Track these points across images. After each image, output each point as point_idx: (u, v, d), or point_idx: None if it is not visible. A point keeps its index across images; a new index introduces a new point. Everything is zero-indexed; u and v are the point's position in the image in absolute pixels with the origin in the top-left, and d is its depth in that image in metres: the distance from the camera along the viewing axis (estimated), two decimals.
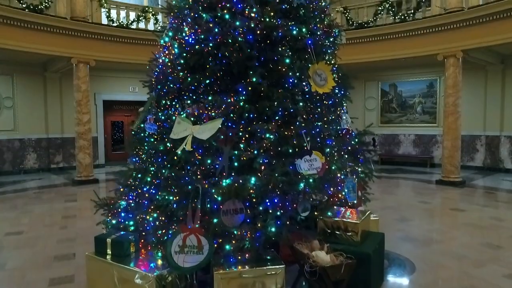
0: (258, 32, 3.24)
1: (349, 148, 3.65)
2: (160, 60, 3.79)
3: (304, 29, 3.47)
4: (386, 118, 13.38)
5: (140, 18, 10.13)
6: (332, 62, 3.85)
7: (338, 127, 3.71)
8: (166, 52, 3.77)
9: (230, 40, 3.22)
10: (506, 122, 10.88)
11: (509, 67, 10.64)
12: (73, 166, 11.90)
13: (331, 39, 3.93)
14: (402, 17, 9.54)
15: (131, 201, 3.67)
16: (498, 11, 7.81)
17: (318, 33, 3.64)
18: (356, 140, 3.78)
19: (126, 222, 3.55)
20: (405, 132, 12.97)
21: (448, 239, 4.77)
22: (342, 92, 3.84)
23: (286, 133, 3.05)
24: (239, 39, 3.19)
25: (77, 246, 4.60)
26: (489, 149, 11.25)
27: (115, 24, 9.79)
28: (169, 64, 3.63)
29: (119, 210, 3.77)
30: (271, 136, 2.98)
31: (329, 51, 3.80)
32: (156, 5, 14.37)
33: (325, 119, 3.42)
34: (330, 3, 3.91)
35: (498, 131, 11.01)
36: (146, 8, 10.32)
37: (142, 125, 3.78)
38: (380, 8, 9.94)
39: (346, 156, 3.62)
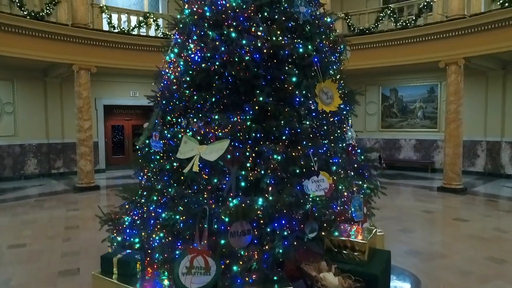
0: (265, 51, 3.23)
1: (355, 165, 3.64)
2: (166, 76, 3.76)
3: (310, 46, 3.46)
4: (387, 122, 13.39)
5: (142, 24, 10.11)
6: (338, 77, 3.84)
7: (344, 144, 3.70)
8: (172, 68, 3.76)
9: (236, 59, 3.21)
10: (507, 128, 10.90)
11: (510, 73, 10.66)
12: (74, 171, 11.90)
13: (337, 55, 3.93)
14: (404, 23, 9.54)
15: (136, 218, 3.66)
16: (501, 19, 7.83)
17: (324, 49, 3.63)
18: (362, 157, 3.76)
19: (131, 239, 3.54)
20: (406, 137, 12.98)
21: (452, 253, 4.77)
22: (348, 107, 3.83)
23: (293, 154, 3.04)
24: (246, 58, 3.18)
25: (81, 260, 4.58)
26: (490, 154, 11.27)
27: (116, 30, 9.78)
28: (174, 80, 3.61)
29: (124, 226, 3.75)
30: (279, 158, 2.98)
31: (334, 67, 3.79)
32: (156, 9, 14.39)
33: (331, 137, 3.42)
34: (336, 19, 3.90)
35: (499, 136, 11.03)
36: (147, 14, 10.30)
37: (147, 141, 3.77)
38: (381, 14, 9.94)
39: (352, 173, 3.61)
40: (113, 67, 10.03)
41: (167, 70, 3.82)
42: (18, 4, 8.19)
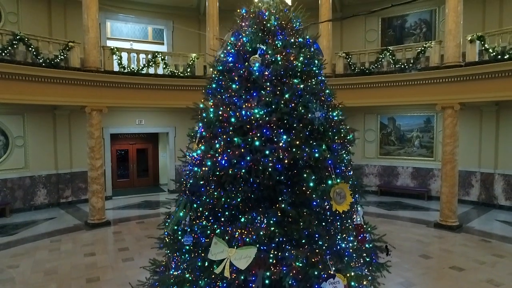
0: (286, 161, 3.64)
1: (364, 254, 4.05)
2: (192, 169, 4.13)
3: (324, 146, 3.86)
4: (385, 150, 13.86)
5: (150, 64, 10.48)
6: (349, 168, 4.25)
7: (354, 233, 4.10)
8: (198, 162, 4.14)
9: (260, 167, 3.62)
10: (500, 160, 11.39)
11: (503, 108, 11.16)
12: (82, 200, 12.29)
13: (347, 146, 4.34)
14: (402, 65, 10.00)
15: None
16: (494, 71, 8.30)
17: (337, 148, 4.04)
18: (371, 245, 4.17)
19: None
20: (403, 165, 13.45)
21: None
22: (357, 196, 4.25)
23: (313, 259, 3.45)
24: (269, 168, 3.59)
25: None
26: (484, 185, 11.76)
27: (126, 71, 10.14)
28: (202, 175, 3.99)
29: None
30: (300, 265, 3.38)
31: (345, 160, 4.19)
32: (161, 37, 14.76)
33: (343, 234, 3.83)
34: (347, 117, 4.30)
35: (492, 168, 11.52)
36: (156, 54, 10.67)
37: (175, 227, 4.14)
38: (381, 56, 10.38)
39: (362, 261, 4.02)
40: (124, 106, 10.38)
41: (192, 161, 4.21)
42: (35, 53, 8.54)
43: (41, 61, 8.62)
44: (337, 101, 4.35)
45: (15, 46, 8.29)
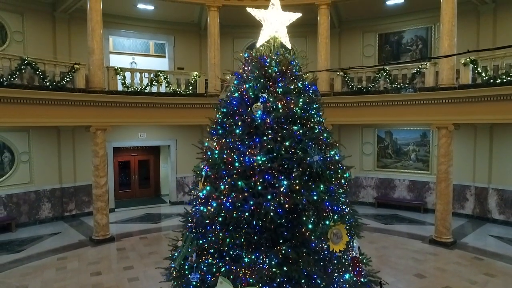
0: (286, 206, 3.91)
1: None
2: (198, 208, 4.41)
3: (322, 187, 4.14)
4: (382, 163, 14.15)
5: (153, 82, 10.75)
6: (344, 207, 4.52)
7: (350, 267, 4.38)
8: (203, 200, 4.41)
9: (263, 211, 3.89)
10: (493, 176, 11.68)
11: (496, 126, 11.44)
12: (85, 213, 12.59)
13: (344, 184, 4.61)
14: (398, 85, 10.29)
15: None
16: (487, 95, 8.59)
17: (334, 188, 4.31)
18: (366, 280, 4.45)
19: None
20: (400, 177, 13.74)
21: None
22: (352, 232, 4.52)
23: None
24: (271, 213, 3.86)
25: None
26: (478, 199, 12.05)
27: (130, 90, 10.41)
28: (208, 215, 4.27)
29: None
30: None
31: (341, 200, 4.47)
32: (162, 51, 15.01)
33: (340, 272, 4.10)
34: (344, 158, 4.58)
35: (486, 183, 11.81)
36: (159, 72, 10.94)
37: (182, 262, 4.41)
38: (378, 75, 10.67)
39: None
40: (128, 125, 10.64)
41: (198, 199, 4.48)
42: (42, 76, 8.81)
43: (47, 84, 8.87)
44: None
45: (23, 71, 8.55)
